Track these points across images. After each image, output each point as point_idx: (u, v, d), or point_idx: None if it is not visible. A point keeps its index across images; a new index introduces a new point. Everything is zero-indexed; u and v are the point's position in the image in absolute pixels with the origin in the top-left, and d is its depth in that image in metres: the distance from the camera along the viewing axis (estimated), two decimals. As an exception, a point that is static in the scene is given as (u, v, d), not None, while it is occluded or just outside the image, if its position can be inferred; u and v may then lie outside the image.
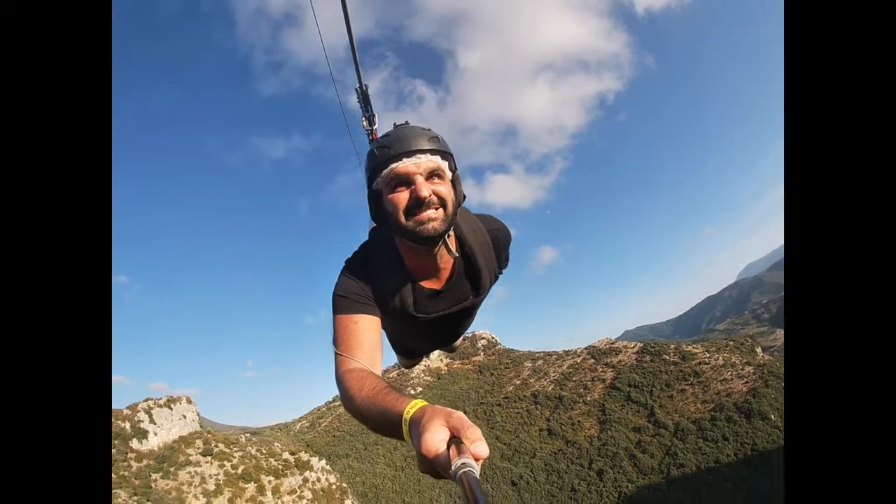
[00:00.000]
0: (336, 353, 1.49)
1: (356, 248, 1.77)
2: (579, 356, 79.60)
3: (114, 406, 50.16)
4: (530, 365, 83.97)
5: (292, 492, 50.75)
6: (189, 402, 55.40)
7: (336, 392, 1.57)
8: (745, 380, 57.95)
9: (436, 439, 0.89)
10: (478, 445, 0.87)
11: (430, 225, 1.50)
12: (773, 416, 51.74)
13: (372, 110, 2.98)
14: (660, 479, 53.11)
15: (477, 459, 0.85)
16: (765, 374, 56.73)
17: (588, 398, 69.34)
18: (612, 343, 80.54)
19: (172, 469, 46.75)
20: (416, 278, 1.70)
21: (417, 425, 0.96)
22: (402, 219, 1.51)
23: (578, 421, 66.58)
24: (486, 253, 1.78)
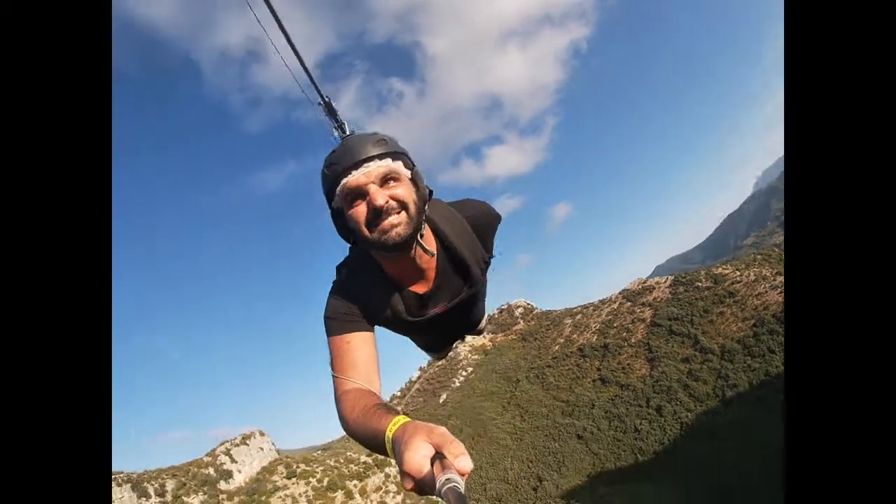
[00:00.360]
0: (333, 376, 1.50)
1: (338, 266, 1.74)
2: (615, 302, 79.73)
3: (192, 457, 53.39)
4: (570, 321, 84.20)
5: (378, 489, 53.32)
6: (262, 434, 58.18)
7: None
8: (779, 290, 57.67)
9: (417, 456, 0.86)
10: (461, 460, 0.84)
11: (394, 232, 1.44)
12: (814, 317, 51.86)
13: (340, 119, 3.09)
14: (716, 402, 53.84)
15: (462, 474, 0.81)
16: (798, 278, 56.58)
17: (632, 340, 69.84)
18: (644, 282, 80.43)
19: (264, 498, 49.62)
20: (401, 285, 1.66)
21: (399, 443, 0.95)
22: (366, 232, 1.46)
23: (628, 364, 67.18)
24: (467, 242, 1.71)
